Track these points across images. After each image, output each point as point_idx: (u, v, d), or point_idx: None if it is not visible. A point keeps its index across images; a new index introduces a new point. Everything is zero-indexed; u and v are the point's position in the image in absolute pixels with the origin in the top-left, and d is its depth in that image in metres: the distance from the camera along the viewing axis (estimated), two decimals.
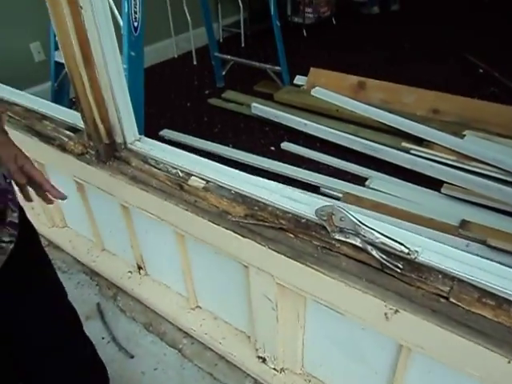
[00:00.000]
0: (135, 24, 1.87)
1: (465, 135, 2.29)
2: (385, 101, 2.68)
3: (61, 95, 2.39)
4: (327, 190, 2.21)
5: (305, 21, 4.43)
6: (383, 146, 2.39)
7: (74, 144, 1.54)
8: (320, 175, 2.31)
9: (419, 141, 2.37)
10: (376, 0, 5.07)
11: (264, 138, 2.75)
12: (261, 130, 2.84)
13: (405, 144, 2.35)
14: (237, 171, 1.31)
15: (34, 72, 3.11)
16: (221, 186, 1.27)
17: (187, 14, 3.78)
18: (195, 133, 2.85)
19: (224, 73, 3.37)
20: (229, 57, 3.22)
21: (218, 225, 1.17)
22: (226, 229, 1.15)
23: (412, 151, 2.32)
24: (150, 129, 2.35)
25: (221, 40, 4.43)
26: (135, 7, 1.84)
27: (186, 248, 1.43)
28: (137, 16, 1.86)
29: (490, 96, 3.09)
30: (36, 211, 2.10)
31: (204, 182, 1.29)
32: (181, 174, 1.33)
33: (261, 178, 1.27)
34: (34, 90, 3.13)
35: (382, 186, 2.19)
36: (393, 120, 2.49)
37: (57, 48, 2.31)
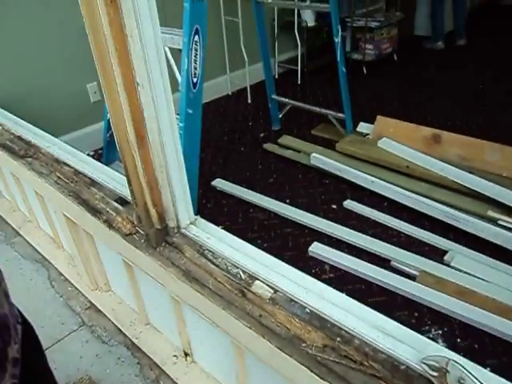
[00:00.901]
0: (194, 80, 1.71)
1: None
2: (464, 158, 2.37)
3: (113, 145, 2.27)
4: (400, 266, 1.93)
5: (365, 57, 4.20)
6: (465, 213, 2.09)
7: (122, 221, 1.37)
8: (391, 246, 2.03)
9: (508, 209, 2.05)
10: (441, 34, 4.76)
11: (324, 194, 2.51)
12: (320, 182, 2.61)
13: (491, 213, 2.04)
14: (312, 280, 1.08)
15: (91, 112, 3.06)
16: (292, 300, 1.04)
17: (244, 52, 3.65)
18: (249, 182, 2.66)
19: (281, 116, 3.19)
20: (287, 100, 3.03)
21: (290, 355, 0.93)
22: (299, 363, 0.92)
23: (500, 222, 2.00)
24: (201, 176, 2.19)
25: (276, 76, 4.28)
26: (195, 63, 1.68)
27: (244, 361, 1.20)
28: (196, 72, 1.70)
29: None
30: (78, 270, 1.97)
31: (271, 291, 1.07)
32: (243, 276, 1.12)
33: (345, 296, 1.03)
34: (92, 129, 3.08)
35: (465, 263, 1.88)
36: (476, 183, 2.18)
37: None
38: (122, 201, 1.46)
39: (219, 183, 2.59)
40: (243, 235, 2.23)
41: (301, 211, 2.33)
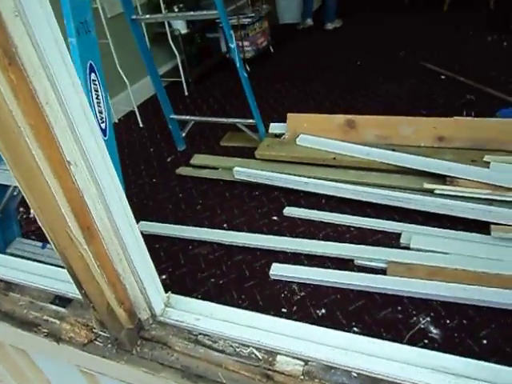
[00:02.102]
0: (103, 126, 1.42)
1: (489, 162, 2.07)
2: (381, 137, 2.41)
3: (8, 223, 1.84)
4: (364, 262, 1.87)
5: (245, 55, 4.12)
6: (402, 191, 2.11)
7: (72, 328, 1.06)
8: (348, 245, 1.97)
9: (441, 178, 2.11)
10: (309, 12, 4.93)
11: (259, 207, 2.36)
12: (251, 196, 2.45)
13: (427, 185, 2.08)
14: (338, 333, 0.92)
15: None
16: (332, 368, 0.87)
17: (122, 73, 3.31)
18: (176, 216, 2.41)
19: (184, 134, 2.95)
20: (189, 117, 2.81)
21: None
22: None
23: (437, 191, 2.05)
24: None
25: None
26: (99, 106, 1.40)
27: None
28: (103, 116, 1.42)
29: (468, 104, 2.97)
30: None
31: (301, 364, 0.88)
32: (259, 355, 0.91)
33: (385, 342, 0.88)
34: None
35: (423, 242, 1.89)
36: (403, 159, 2.22)
37: None
38: (61, 300, 1.13)
39: (144, 226, 2.28)
40: (192, 278, 2.03)
41: (244, 233, 2.15)
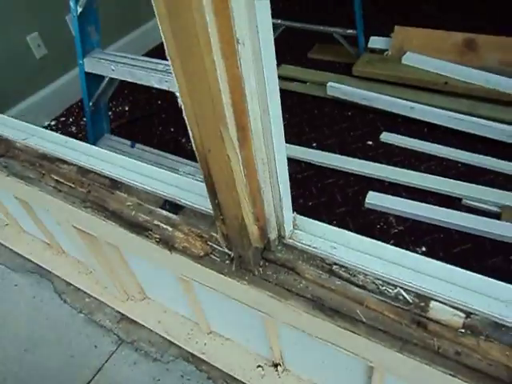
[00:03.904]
0: None
1: None
2: (506, 62, 2.07)
3: (98, 117, 1.76)
4: (475, 203, 1.68)
5: None
6: None
7: (186, 237, 0.98)
8: (456, 181, 1.76)
9: None
10: None
11: (352, 129, 2.16)
12: (343, 116, 2.24)
13: None
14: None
15: (39, 71, 2.43)
16: (502, 326, 0.74)
17: None
18: None
19: None
20: (279, 21, 2.53)
21: None
22: None
23: None
24: None
25: None
26: None
27: None
28: None
29: None
30: (96, 278, 1.59)
31: (462, 315, 0.76)
32: (408, 298, 0.80)
33: None
34: (44, 93, 2.48)
35: None
36: None
37: (84, 54, 1.64)
38: (172, 206, 1.05)
39: None
40: None
41: (337, 155, 1.99)
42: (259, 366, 1.35)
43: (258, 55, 0.62)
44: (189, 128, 0.69)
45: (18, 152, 1.32)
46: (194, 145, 0.72)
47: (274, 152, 0.74)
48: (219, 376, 1.44)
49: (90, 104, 1.70)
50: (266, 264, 0.91)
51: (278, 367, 1.30)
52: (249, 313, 1.06)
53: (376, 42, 2.41)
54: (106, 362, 1.55)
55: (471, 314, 0.75)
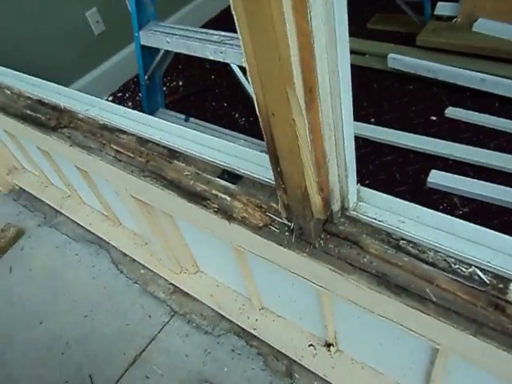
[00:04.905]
0: None
1: None
2: None
3: (153, 91, 1.77)
4: None
5: None
6: None
7: (245, 208, 0.96)
8: None
9: None
10: None
11: (414, 103, 2.03)
12: (403, 90, 2.12)
13: None
14: None
15: (97, 47, 2.47)
16: None
17: None
18: None
19: None
20: None
21: None
22: None
23: None
24: None
25: None
26: None
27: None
28: None
29: None
30: (151, 250, 1.62)
31: None
32: (485, 278, 0.73)
33: None
34: (102, 69, 2.53)
35: None
36: None
37: (140, 27, 1.64)
38: (230, 176, 1.03)
39: None
40: None
41: (396, 131, 1.89)
42: (311, 345, 1.32)
43: (330, 9, 0.57)
44: (253, 90, 0.66)
45: (80, 123, 1.35)
46: (257, 108, 0.68)
47: (341, 117, 0.69)
48: (269, 352, 1.43)
49: (146, 77, 1.71)
50: (328, 237, 0.86)
51: (331, 347, 1.27)
52: (305, 288, 1.03)
53: (443, 8, 2.24)
54: (159, 332, 1.59)
55: None
